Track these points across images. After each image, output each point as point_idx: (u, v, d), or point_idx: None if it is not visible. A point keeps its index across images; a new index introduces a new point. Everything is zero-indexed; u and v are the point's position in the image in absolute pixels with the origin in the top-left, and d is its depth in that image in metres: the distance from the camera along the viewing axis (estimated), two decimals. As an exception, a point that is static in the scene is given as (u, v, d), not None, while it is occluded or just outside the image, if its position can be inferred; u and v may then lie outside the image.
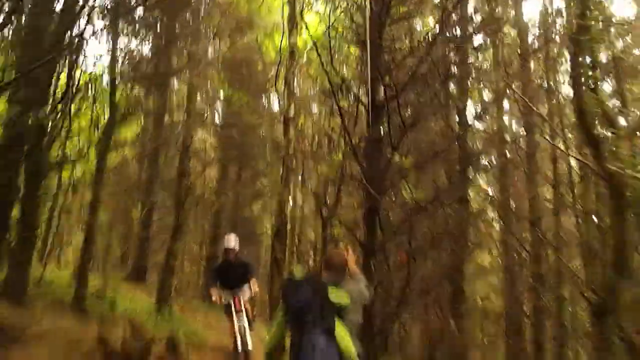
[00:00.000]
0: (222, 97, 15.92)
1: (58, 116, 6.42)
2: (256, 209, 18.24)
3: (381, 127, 5.42)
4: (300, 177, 13.21)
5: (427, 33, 5.85)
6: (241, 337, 5.66)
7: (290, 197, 7.97)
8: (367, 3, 5.46)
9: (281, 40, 7.63)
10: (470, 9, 7.39)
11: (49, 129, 6.31)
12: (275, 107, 17.30)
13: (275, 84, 8.80)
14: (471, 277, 9.53)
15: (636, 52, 9.09)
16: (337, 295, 2.99)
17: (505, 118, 11.80)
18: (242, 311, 5.91)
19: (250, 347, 5.68)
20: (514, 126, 12.31)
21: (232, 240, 6.32)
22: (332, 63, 5.58)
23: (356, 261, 4.04)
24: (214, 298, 6.04)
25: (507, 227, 9.77)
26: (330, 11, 6.19)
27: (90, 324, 6.55)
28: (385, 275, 4.90)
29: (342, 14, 6.07)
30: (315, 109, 12.72)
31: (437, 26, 6.07)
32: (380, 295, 4.59)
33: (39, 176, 6.36)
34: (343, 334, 2.91)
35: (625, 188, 4.32)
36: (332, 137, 7.02)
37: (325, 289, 2.99)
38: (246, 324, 5.83)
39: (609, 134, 4.95)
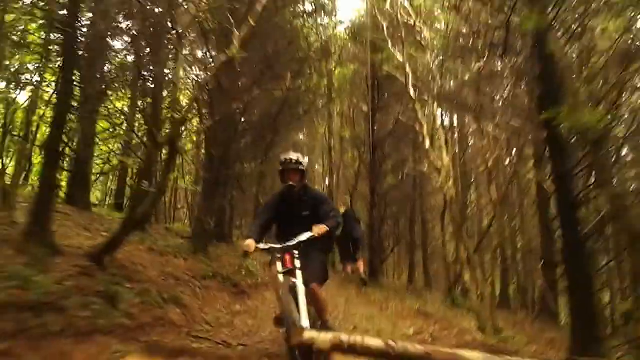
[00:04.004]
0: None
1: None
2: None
3: (375, 156, 13.68)
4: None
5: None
6: (289, 314, 3.17)
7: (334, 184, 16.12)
8: (370, 100, 13.58)
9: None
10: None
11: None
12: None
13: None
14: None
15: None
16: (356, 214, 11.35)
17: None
18: (295, 271, 3.42)
19: (305, 323, 3.09)
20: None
21: (293, 154, 3.91)
22: (354, 128, 13.77)
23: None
24: (245, 247, 3.50)
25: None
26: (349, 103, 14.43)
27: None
28: (379, 212, 13.32)
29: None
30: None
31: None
32: (377, 218, 13.00)
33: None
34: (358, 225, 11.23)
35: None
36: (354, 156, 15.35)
37: (354, 212, 11.36)
38: (302, 291, 3.30)
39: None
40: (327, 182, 21.39)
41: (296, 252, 3.51)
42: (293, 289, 3.35)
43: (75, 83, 5.00)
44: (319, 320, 3.71)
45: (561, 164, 4.78)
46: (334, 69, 14.01)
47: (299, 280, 3.38)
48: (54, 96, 6.81)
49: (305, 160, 3.90)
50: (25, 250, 4.46)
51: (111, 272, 4.97)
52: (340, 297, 8.63)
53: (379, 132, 13.73)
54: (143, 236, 8.14)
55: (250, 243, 3.51)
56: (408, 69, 10.14)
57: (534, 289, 16.22)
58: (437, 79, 9.46)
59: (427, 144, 9.52)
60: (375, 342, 1.78)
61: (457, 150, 14.75)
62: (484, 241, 13.87)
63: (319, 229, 3.49)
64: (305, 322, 3.11)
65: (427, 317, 7.47)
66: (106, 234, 6.46)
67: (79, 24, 5.09)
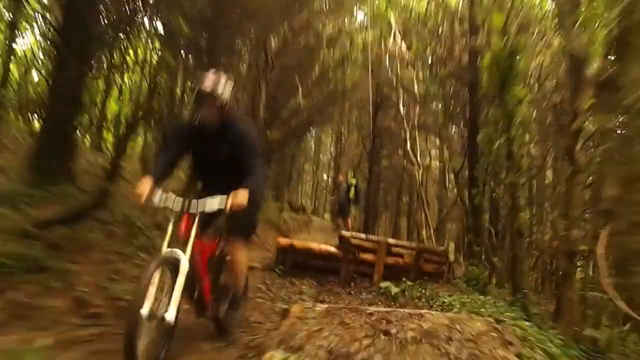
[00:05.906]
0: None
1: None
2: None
3: (375, 143, 18.13)
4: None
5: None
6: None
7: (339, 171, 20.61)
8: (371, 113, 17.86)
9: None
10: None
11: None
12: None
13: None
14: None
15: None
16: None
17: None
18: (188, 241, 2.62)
19: (169, 315, 2.38)
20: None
21: (211, 79, 2.80)
22: (360, 119, 18.20)
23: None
24: (137, 190, 2.63)
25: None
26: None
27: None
28: (375, 186, 17.96)
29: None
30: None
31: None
32: (373, 191, 17.65)
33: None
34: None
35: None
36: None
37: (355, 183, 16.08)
38: (184, 270, 2.49)
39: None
40: (333, 154, 26.25)
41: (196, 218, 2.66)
42: (173, 264, 2.47)
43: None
44: (229, 285, 3.20)
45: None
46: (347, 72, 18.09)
47: (186, 254, 2.53)
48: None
49: (225, 87, 2.80)
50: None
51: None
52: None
53: (379, 125, 18.05)
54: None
55: (144, 186, 2.60)
56: (400, 90, 14.32)
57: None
58: (417, 102, 13.82)
59: (408, 144, 13.92)
60: (367, 237, 6.37)
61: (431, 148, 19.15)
62: (450, 214, 18.54)
63: (237, 200, 2.58)
64: (170, 313, 2.35)
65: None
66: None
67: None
